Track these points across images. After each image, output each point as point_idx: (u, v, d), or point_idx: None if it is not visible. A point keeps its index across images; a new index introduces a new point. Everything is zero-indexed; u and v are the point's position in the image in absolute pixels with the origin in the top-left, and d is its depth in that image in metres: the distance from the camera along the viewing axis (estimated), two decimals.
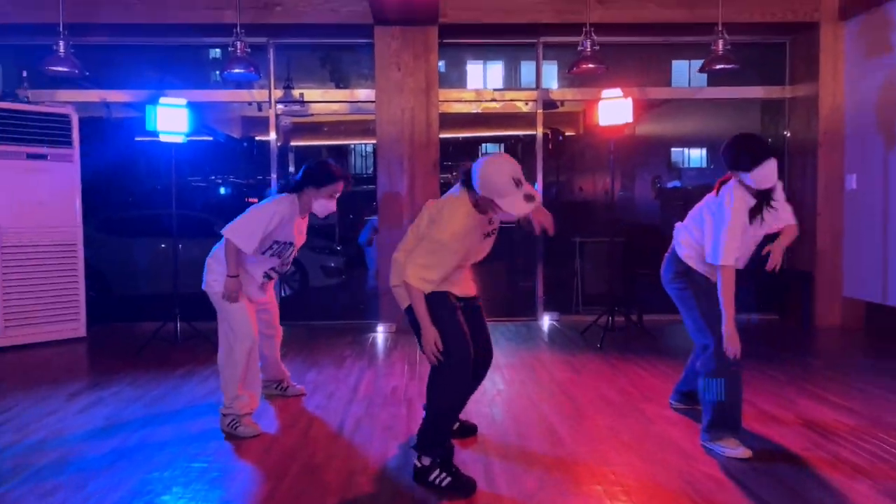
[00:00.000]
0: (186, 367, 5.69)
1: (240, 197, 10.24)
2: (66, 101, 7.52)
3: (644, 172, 10.36)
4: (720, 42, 6.66)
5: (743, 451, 3.56)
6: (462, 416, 4.02)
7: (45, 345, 6.72)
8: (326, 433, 4.02)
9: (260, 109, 7.88)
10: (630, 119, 6.57)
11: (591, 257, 8.45)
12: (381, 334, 7.25)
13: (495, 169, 2.95)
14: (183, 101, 6.59)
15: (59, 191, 6.90)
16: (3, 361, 6.07)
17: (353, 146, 11.41)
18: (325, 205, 4.03)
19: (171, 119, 6.49)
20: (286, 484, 3.32)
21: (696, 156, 14.10)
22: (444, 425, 3.26)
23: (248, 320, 4.04)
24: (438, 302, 3.19)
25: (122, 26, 7.23)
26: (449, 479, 3.19)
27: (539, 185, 7.77)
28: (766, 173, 3.46)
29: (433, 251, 3.14)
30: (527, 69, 8.19)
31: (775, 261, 3.67)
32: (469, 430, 3.92)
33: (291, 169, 8.39)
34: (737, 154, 3.50)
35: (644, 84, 8.00)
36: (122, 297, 8.66)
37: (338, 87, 8.37)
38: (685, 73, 9.67)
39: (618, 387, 4.87)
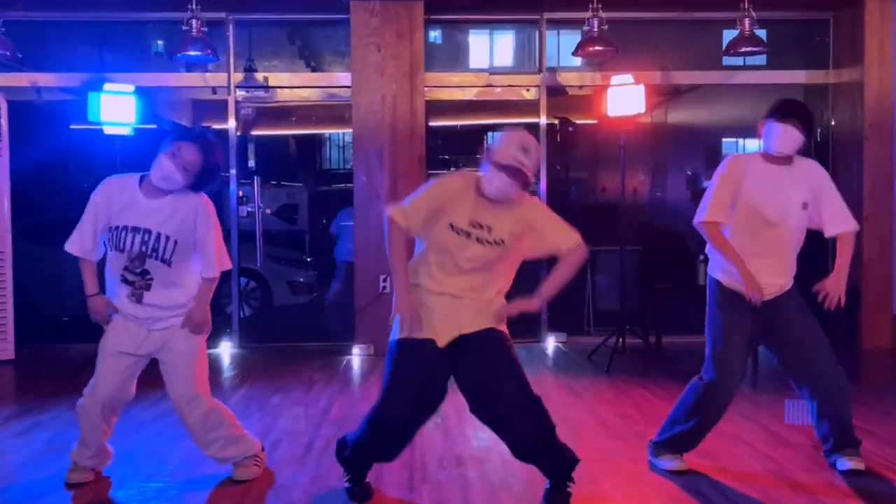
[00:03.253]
0: None
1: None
2: None
3: (684, 168, 9.27)
4: (746, 20, 5.99)
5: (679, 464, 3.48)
6: (443, 438, 4.00)
7: None
8: (292, 455, 3.81)
9: (214, 93, 7.03)
10: (642, 109, 5.99)
11: (605, 269, 7.48)
12: (356, 357, 6.53)
13: (509, 133, 2.98)
14: (131, 88, 5.90)
15: None
16: None
17: (328, 136, 10.48)
18: (162, 165, 3.13)
19: (116, 108, 5.74)
20: (248, 501, 3.21)
21: (753, 147, 12.44)
22: (354, 457, 3.13)
23: (102, 368, 3.25)
24: (400, 350, 2.98)
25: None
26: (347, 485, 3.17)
27: (542, 181, 7.11)
28: (780, 133, 3.28)
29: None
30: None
31: (831, 302, 3.28)
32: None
33: (252, 163, 7.51)
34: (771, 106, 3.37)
35: (685, 63, 7.34)
36: (49, 317, 7.47)
37: (309, 67, 7.61)
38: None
39: (619, 411, 4.68)
